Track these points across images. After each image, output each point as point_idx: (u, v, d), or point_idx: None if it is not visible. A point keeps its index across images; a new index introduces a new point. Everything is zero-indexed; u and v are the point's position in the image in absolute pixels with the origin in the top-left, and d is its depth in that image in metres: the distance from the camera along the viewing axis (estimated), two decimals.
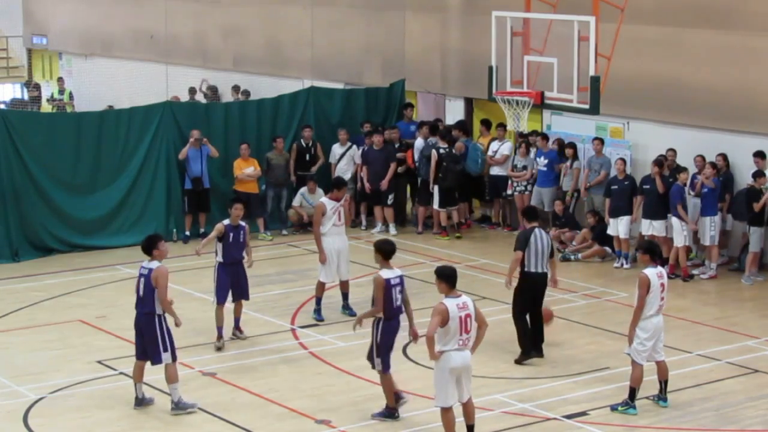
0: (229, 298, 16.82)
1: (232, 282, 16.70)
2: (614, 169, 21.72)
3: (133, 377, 14.37)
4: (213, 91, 30.43)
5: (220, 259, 16.72)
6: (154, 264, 14.10)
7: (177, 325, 14.33)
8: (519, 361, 15.88)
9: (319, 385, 15.24)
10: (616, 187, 21.30)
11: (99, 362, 16.08)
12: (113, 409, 14.35)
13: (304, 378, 15.49)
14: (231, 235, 16.63)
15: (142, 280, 14.12)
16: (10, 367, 15.96)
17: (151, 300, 14.03)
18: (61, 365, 16.02)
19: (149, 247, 14.24)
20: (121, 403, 14.51)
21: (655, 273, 14.08)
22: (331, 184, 18.41)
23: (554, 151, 22.94)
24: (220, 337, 16.67)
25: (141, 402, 14.30)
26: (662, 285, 14.11)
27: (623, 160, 21.46)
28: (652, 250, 14.33)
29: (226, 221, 16.75)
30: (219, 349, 16.54)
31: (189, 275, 20.19)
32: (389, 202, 23.83)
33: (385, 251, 14.10)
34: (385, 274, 13.86)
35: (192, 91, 30.99)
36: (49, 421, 14.05)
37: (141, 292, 14.14)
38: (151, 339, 14.06)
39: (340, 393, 14.94)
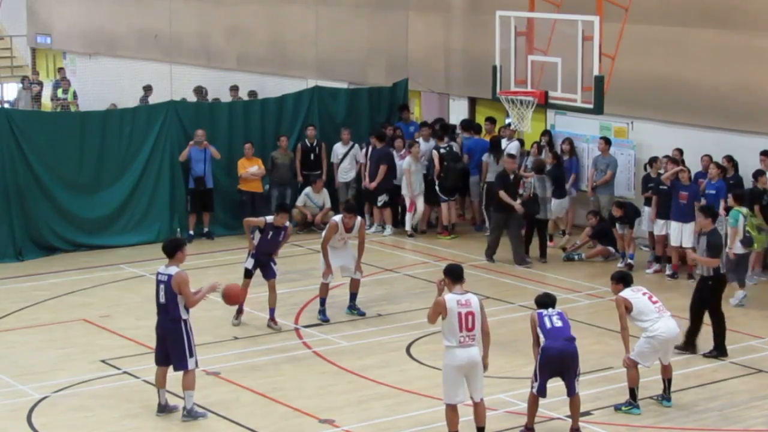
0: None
1: (261, 263, 17.46)
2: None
3: (155, 384, 14.16)
4: (198, 92, 30.17)
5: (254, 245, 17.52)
6: (173, 269, 13.75)
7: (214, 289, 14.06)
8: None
9: (322, 384, 15.24)
10: (619, 222, 21.14)
11: (103, 361, 16.07)
12: (117, 409, 14.34)
13: (308, 377, 15.49)
14: (270, 233, 17.35)
15: (162, 287, 13.72)
16: (13, 366, 15.96)
17: (175, 306, 13.67)
18: (65, 364, 16.02)
19: (173, 249, 13.88)
20: (125, 403, 14.50)
21: (629, 290, 14.14)
22: (344, 209, 18.40)
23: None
24: (239, 313, 17.56)
25: (164, 409, 14.07)
26: (642, 293, 14.17)
27: (618, 205, 21.18)
28: (625, 279, 14.35)
29: (270, 218, 17.48)
30: (235, 325, 17.47)
31: (192, 275, 20.04)
32: (379, 203, 23.82)
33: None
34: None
35: (199, 91, 30.75)
36: (52, 420, 14.04)
37: (163, 299, 13.74)
38: (176, 345, 13.73)
39: (344, 392, 14.94)
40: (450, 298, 12.76)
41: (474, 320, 12.71)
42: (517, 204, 21.17)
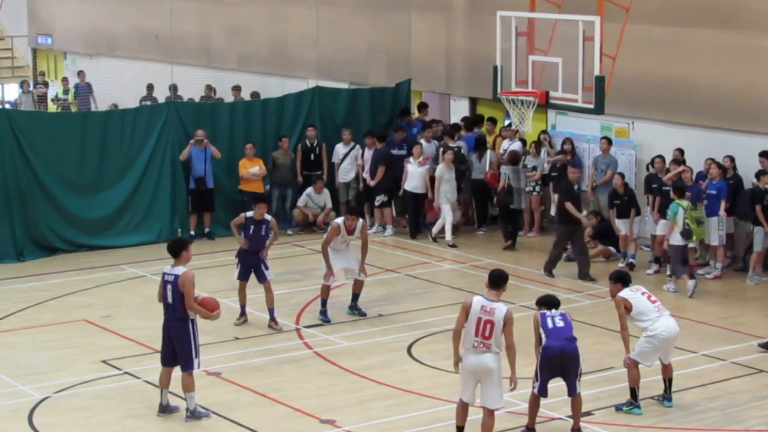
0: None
1: (252, 265, 17.51)
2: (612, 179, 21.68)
3: (159, 384, 14.15)
4: (174, 90, 30.05)
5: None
6: (180, 269, 13.72)
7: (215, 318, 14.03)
8: None
9: (323, 384, 15.25)
10: (618, 201, 21.15)
11: (104, 362, 16.07)
12: (118, 409, 14.34)
13: (309, 378, 15.49)
14: (252, 227, 17.46)
15: (169, 286, 13.70)
16: (14, 367, 15.97)
17: (182, 306, 13.67)
18: (66, 365, 16.02)
19: (179, 249, 13.85)
20: (126, 403, 14.51)
21: (627, 290, 14.13)
22: (346, 211, 18.42)
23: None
24: (241, 315, 17.69)
25: (165, 409, 14.07)
26: (641, 292, 14.17)
27: (622, 176, 21.31)
28: (623, 279, 14.35)
29: (250, 213, 17.59)
30: (238, 326, 17.56)
31: None
32: (377, 203, 23.80)
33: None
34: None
35: (174, 89, 30.65)
36: (53, 420, 14.04)
37: (170, 299, 13.72)
38: (183, 345, 13.74)
39: (345, 393, 14.94)
40: (477, 300, 12.74)
41: (492, 329, 12.59)
42: (583, 217, 20.39)
